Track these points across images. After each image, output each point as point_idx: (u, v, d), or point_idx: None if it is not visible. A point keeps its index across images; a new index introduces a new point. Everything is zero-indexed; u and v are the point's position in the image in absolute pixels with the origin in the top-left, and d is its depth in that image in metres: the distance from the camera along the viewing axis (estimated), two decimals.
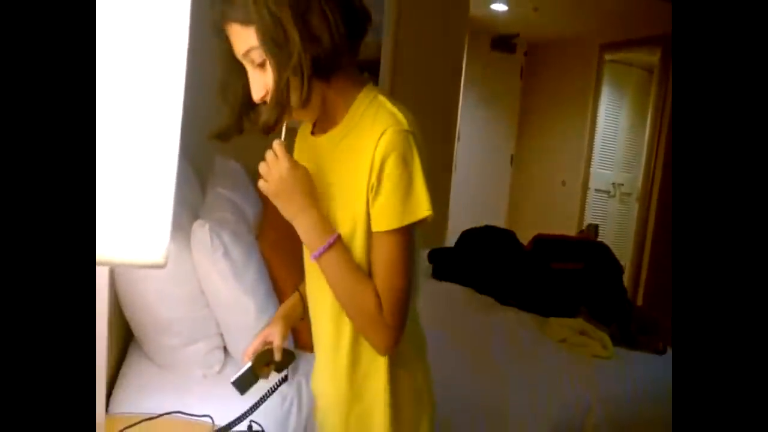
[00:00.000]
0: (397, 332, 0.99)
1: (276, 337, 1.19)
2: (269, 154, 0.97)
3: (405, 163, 0.94)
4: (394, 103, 0.98)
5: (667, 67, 4.49)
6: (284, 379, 1.27)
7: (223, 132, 1.01)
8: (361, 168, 0.95)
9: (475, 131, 5.38)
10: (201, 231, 1.48)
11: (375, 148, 0.93)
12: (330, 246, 0.97)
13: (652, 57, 4.79)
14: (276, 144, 0.98)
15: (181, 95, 0.66)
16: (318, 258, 0.98)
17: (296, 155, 1.13)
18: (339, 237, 0.98)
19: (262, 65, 0.93)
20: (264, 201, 2.20)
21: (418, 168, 0.95)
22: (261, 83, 0.95)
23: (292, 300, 1.26)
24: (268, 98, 0.95)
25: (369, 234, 0.98)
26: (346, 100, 1.01)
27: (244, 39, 0.91)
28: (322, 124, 1.05)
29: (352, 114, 1.00)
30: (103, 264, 0.65)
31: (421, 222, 0.97)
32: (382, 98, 1.00)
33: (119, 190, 0.62)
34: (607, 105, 5.19)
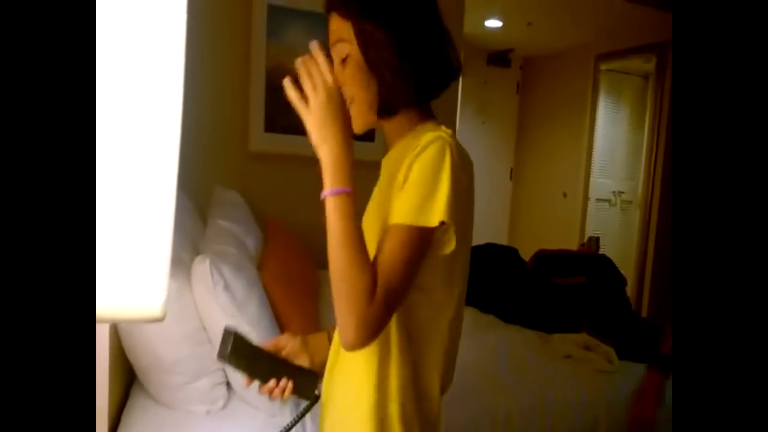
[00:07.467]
0: (372, 331, 0.88)
1: (299, 356, 1.11)
2: (312, 65, 0.91)
3: (434, 165, 0.90)
4: (452, 135, 0.95)
5: (663, 72, 4.52)
6: (312, 404, 1.10)
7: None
8: (399, 174, 0.94)
9: (474, 147, 5.39)
10: (201, 266, 1.49)
11: (413, 152, 0.93)
12: (346, 193, 0.90)
13: (647, 65, 4.81)
14: (314, 45, 0.92)
15: (178, 129, 0.63)
16: (330, 198, 0.90)
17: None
18: (352, 193, 0.91)
19: (343, 61, 0.98)
20: (264, 231, 2.22)
21: (446, 175, 0.90)
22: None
23: (320, 334, 1.17)
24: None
25: None
26: (410, 129, 1.04)
27: (337, 30, 0.98)
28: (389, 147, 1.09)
29: (409, 136, 1.03)
30: (97, 321, 0.65)
31: (439, 238, 0.92)
32: (443, 127, 0.99)
33: (111, 241, 0.60)
34: (605, 113, 5.21)
